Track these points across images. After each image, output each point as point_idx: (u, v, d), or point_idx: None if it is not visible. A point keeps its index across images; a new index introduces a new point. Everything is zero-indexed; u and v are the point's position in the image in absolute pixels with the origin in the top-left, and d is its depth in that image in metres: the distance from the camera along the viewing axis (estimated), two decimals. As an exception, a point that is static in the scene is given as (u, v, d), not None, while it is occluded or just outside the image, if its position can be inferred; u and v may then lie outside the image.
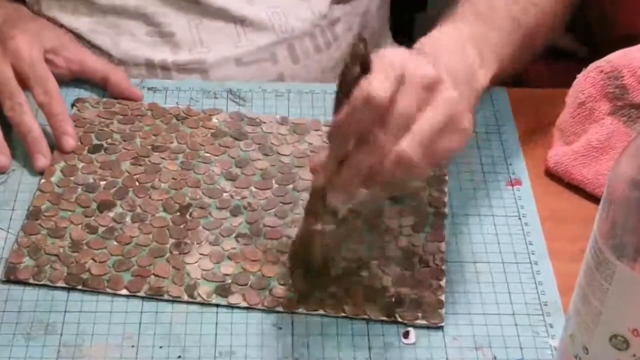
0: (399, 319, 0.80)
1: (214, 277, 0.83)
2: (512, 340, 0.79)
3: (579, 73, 0.95)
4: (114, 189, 0.91)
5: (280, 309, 0.80)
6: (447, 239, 0.87)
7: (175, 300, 0.81)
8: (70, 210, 0.88)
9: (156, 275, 0.83)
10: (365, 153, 0.73)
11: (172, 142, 0.96)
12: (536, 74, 1.14)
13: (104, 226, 0.87)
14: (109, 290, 0.82)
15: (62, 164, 0.93)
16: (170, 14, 1.06)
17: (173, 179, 0.92)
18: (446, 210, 0.90)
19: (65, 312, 0.80)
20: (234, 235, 0.86)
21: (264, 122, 0.99)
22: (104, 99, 1.01)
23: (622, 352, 0.66)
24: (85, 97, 1.02)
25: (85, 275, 0.82)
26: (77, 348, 0.77)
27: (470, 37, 0.83)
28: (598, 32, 1.19)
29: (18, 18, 1.02)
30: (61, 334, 0.78)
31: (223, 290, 0.82)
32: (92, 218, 0.88)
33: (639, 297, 0.64)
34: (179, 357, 0.77)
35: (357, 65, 0.73)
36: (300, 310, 0.80)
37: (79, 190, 0.91)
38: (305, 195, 0.82)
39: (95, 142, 0.96)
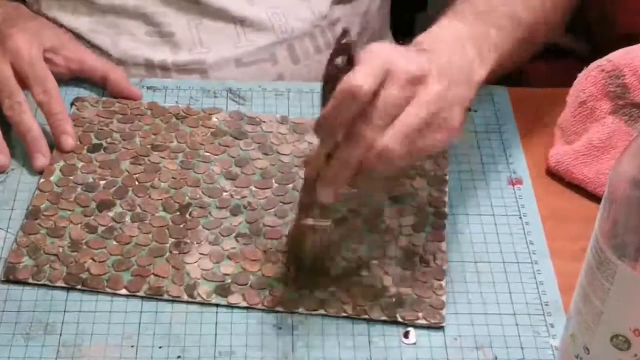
0: (400, 319, 0.80)
1: (214, 277, 0.82)
2: (513, 341, 0.79)
3: (580, 72, 0.95)
4: (114, 189, 0.90)
5: (280, 309, 0.80)
6: (448, 239, 0.87)
7: (175, 300, 0.81)
8: (69, 210, 0.88)
9: (156, 275, 0.82)
10: (353, 147, 0.73)
11: (172, 142, 0.96)
12: (537, 73, 1.14)
13: (103, 226, 0.87)
14: (108, 290, 0.81)
15: (62, 163, 0.93)
16: (170, 14, 1.06)
17: (173, 178, 0.92)
18: (447, 210, 0.90)
19: (64, 312, 0.80)
20: (234, 235, 0.86)
21: (264, 122, 0.99)
22: (104, 99, 1.01)
23: (623, 352, 0.66)
24: (85, 97, 1.01)
25: (84, 275, 0.82)
26: (77, 348, 0.77)
27: (470, 37, 0.83)
28: (598, 32, 1.19)
29: (17, 17, 1.02)
30: (61, 334, 0.78)
31: (223, 290, 0.81)
32: (92, 218, 0.87)
33: (641, 296, 0.64)
34: (179, 357, 0.77)
35: (341, 58, 0.73)
36: (300, 310, 0.80)
37: (79, 189, 0.90)
38: (306, 195, 0.82)
39: (95, 141, 0.96)
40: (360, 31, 1.13)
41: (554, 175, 0.94)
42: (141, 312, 0.80)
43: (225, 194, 0.91)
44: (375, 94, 0.72)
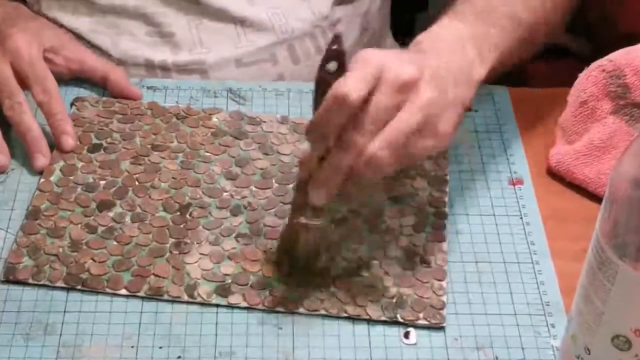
0: (400, 319, 0.80)
1: (214, 277, 0.82)
2: (513, 341, 0.79)
3: (580, 72, 0.95)
4: (114, 189, 0.90)
5: (280, 309, 0.80)
6: (448, 239, 0.87)
7: (175, 300, 0.81)
8: (69, 210, 0.88)
9: (156, 275, 0.82)
10: (343, 152, 0.73)
11: (172, 142, 0.96)
12: (537, 73, 1.14)
13: (103, 226, 0.86)
14: (108, 290, 0.81)
15: (62, 163, 0.93)
16: (170, 14, 1.06)
17: (173, 178, 0.92)
18: (447, 210, 0.89)
19: (64, 312, 0.80)
20: (234, 235, 0.86)
21: (264, 122, 0.99)
22: (104, 98, 1.01)
23: (624, 352, 0.66)
24: (85, 96, 1.01)
25: (84, 275, 0.82)
26: (77, 348, 0.77)
27: (470, 37, 0.83)
28: (599, 32, 1.19)
29: (17, 17, 1.02)
30: (60, 334, 0.78)
31: (223, 290, 0.81)
32: (92, 218, 0.87)
33: (642, 296, 0.63)
34: (179, 357, 0.77)
35: (331, 63, 0.73)
36: (300, 310, 0.80)
37: (79, 189, 0.90)
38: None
39: (95, 141, 0.96)
40: (360, 31, 1.13)
41: (555, 175, 0.94)
42: (141, 312, 0.80)
43: (225, 193, 0.90)
44: (366, 100, 0.72)
